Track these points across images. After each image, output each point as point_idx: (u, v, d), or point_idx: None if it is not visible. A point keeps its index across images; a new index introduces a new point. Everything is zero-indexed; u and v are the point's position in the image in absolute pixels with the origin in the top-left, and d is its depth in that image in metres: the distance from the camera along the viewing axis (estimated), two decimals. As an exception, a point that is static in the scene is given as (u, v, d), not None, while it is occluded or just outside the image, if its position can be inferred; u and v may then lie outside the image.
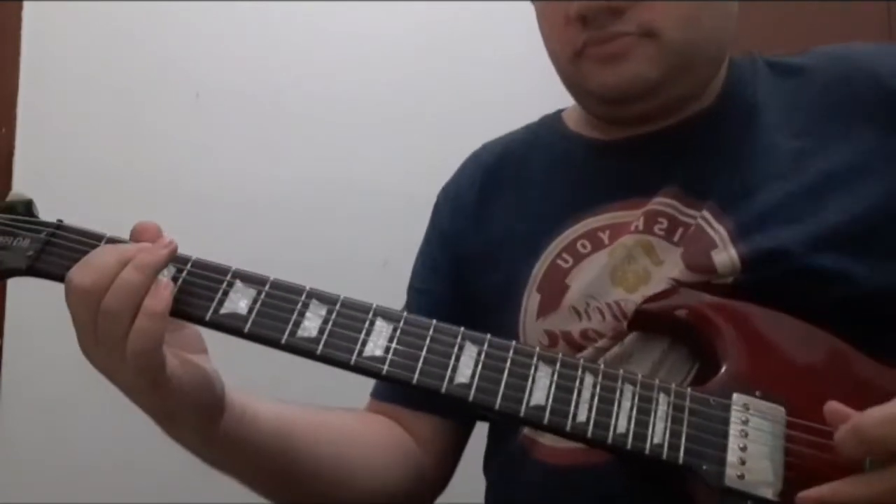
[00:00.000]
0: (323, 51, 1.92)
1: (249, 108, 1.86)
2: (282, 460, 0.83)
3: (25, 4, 1.74)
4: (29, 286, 1.74)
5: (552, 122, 1.00)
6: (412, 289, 1.02)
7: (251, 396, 0.81)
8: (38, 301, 1.68)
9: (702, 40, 0.85)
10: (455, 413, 0.96)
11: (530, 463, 0.85)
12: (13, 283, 1.66)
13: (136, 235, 0.74)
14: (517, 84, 1.97)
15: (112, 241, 0.75)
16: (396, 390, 0.95)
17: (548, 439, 0.84)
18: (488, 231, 0.95)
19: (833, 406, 0.65)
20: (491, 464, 0.94)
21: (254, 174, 1.85)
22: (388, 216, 1.88)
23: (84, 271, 0.70)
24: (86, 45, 1.78)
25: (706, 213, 0.83)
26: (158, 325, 0.69)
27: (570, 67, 0.87)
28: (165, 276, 0.73)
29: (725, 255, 0.80)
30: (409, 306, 1.00)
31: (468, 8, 2.00)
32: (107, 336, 0.69)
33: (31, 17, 1.75)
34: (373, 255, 1.84)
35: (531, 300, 0.87)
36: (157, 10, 1.82)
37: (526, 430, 0.86)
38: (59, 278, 0.74)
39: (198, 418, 0.75)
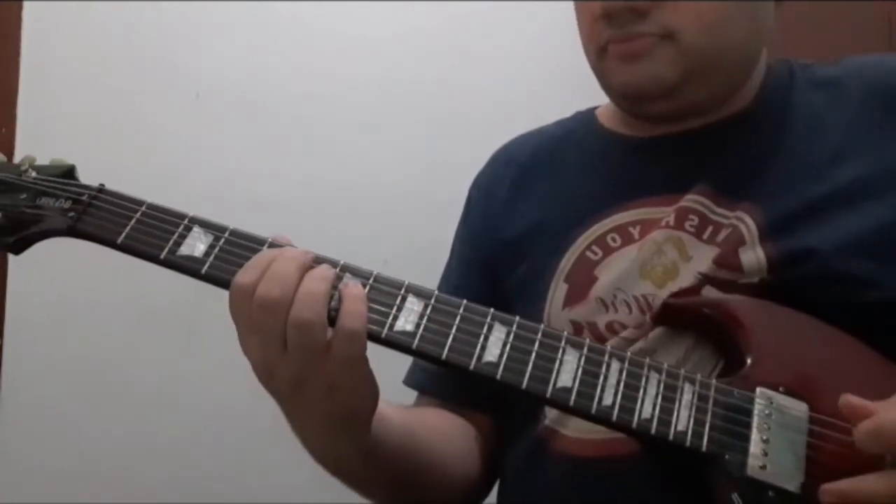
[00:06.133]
0: (323, 51, 1.92)
1: (249, 108, 1.86)
2: (407, 463, 0.84)
3: (25, 4, 1.74)
4: (28, 286, 1.73)
5: (586, 120, 1.02)
6: (449, 287, 1.02)
7: None
8: (38, 301, 1.69)
9: (725, 47, 0.85)
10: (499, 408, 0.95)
11: (552, 454, 0.85)
12: (13, 284, 1.66)
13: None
14: (517, 86, 1.97)
15: (273, 245, 0.75)
16: (448, 388, 0.96)
17: (570, 430, 0.84)
18: (518, 224, 0.96)
19: (850, 400, 0.66)
20: (508, 458, 0.93)
21: (254, 174, 1.84)
22: (388, 216, 1.87)
23: (270, 283, 0.69)
24: (86, 45, 1.78)
25: (741, 214, 0.83)
26: (363, 328, 0.70)
27: (597, 63, 0.90)
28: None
29: (752, 255, 0.81)
30: None
31: (469, 9, 2.00)
32: (301, 345, 0.69)
33: (31, 17, 1.74)
34: (373, 255, 1.82)
35: (558, 290, 0.88)
36: (157, 10, 1.81)
37: (547, 421, 0.86)
38: (100, 240, 0.76)
39: (364, 420, 0.76)
